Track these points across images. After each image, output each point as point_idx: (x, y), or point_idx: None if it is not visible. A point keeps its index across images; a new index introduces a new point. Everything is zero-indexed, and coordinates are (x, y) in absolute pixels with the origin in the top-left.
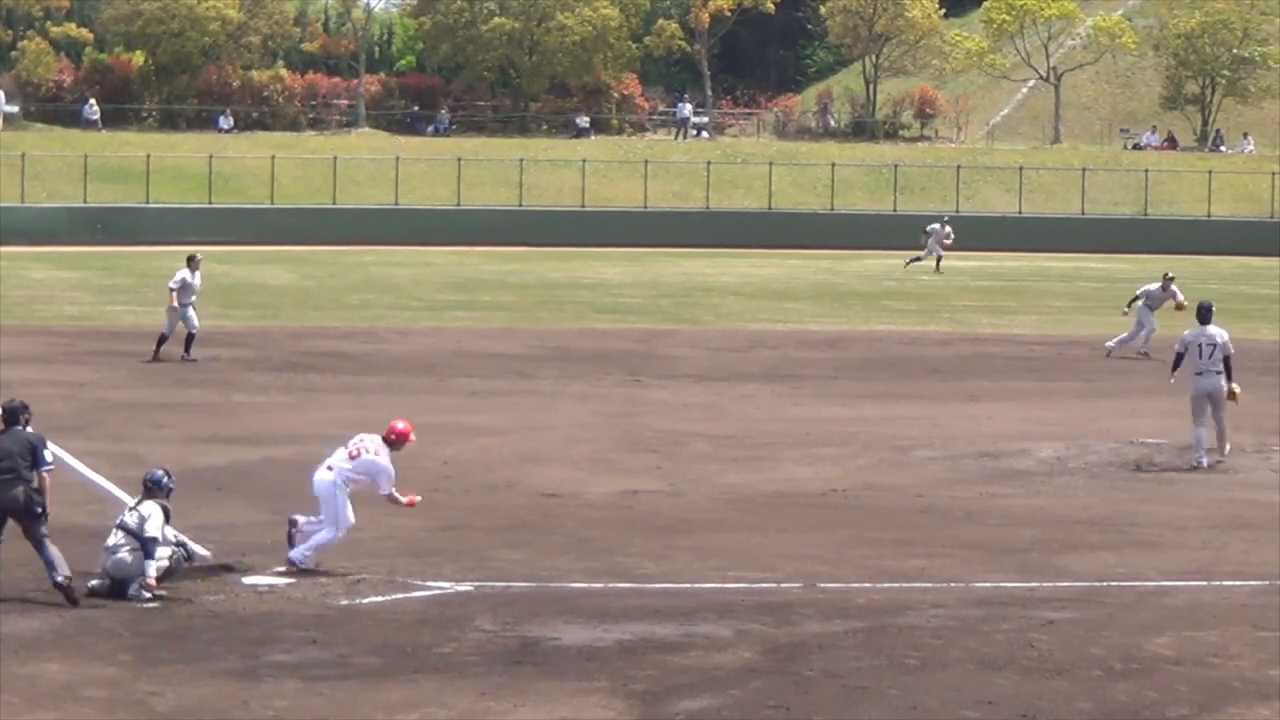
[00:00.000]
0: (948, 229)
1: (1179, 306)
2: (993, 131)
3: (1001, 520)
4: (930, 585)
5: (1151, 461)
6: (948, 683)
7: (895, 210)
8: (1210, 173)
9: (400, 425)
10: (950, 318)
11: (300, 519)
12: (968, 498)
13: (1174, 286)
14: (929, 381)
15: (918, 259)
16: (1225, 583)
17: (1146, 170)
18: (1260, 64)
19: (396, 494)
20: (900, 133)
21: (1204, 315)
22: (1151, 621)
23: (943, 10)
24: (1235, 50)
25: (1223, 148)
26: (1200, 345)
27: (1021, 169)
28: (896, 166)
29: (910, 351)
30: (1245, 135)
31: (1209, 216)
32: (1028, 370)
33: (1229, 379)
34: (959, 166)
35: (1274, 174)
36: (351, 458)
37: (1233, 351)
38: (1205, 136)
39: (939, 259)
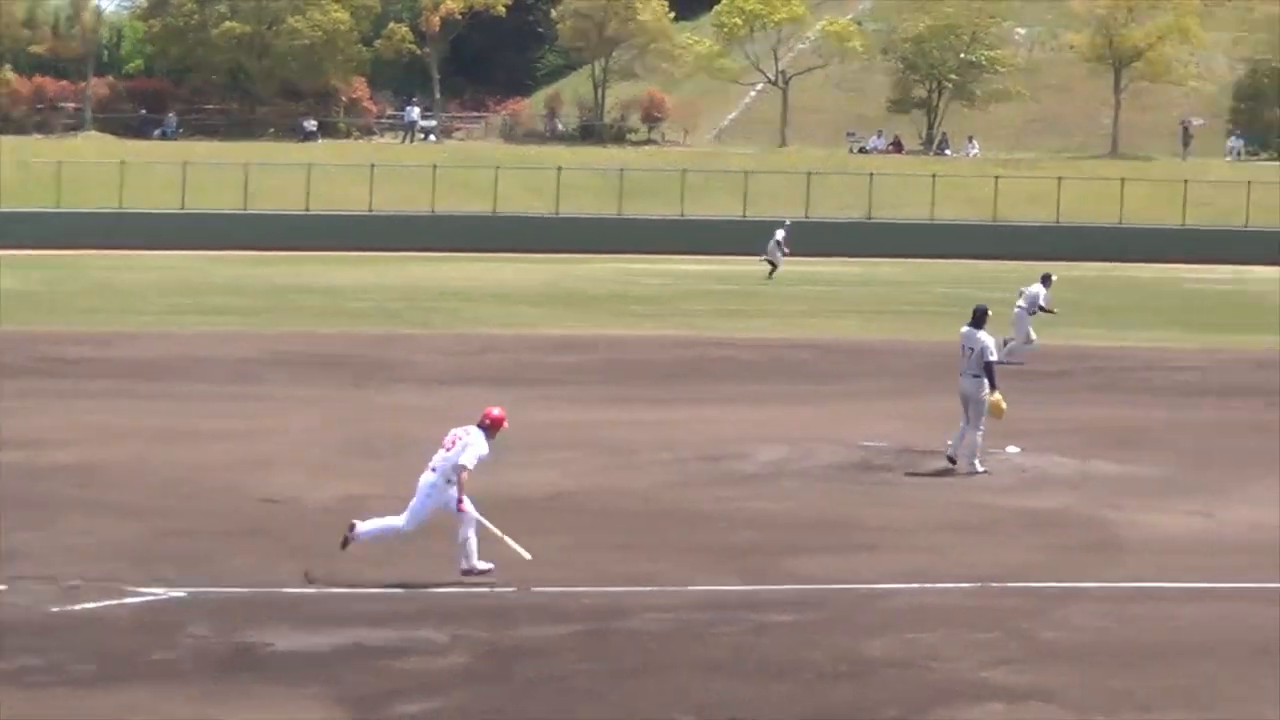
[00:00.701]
0: (780, 234)
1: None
2: (721, 135)
3: (725, 523)
4: (652, 589)
5: (873, 464)
6: (667, 686)
7: (621, 214)
8: (935, 176)
9: (495, 411)
10: (680, 321)
11: (359, 526)
12: (693, 501)
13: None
14: (657, 385)
15: (771, 263)
16: (944, 585)
17: (872, 174)
18: (987, 68)
19: (466, 474)
20: (628, 136)
21: (977, 318)
22: (871, 624)
23: (673, 14)
24: (963, 55)
25: (948, 151)
26: (964, 347)
27: (748, 173)
28: (623, 170)
29: (639, 355)
30: (971, 139)
31: (933, 220)
32: (755, 373)
33: (991, 387)
34: (686, 170)
35: (998, 178)
36: (448, 450)
37: (993, 358)
38: (931, 140)
39: (774, 267)
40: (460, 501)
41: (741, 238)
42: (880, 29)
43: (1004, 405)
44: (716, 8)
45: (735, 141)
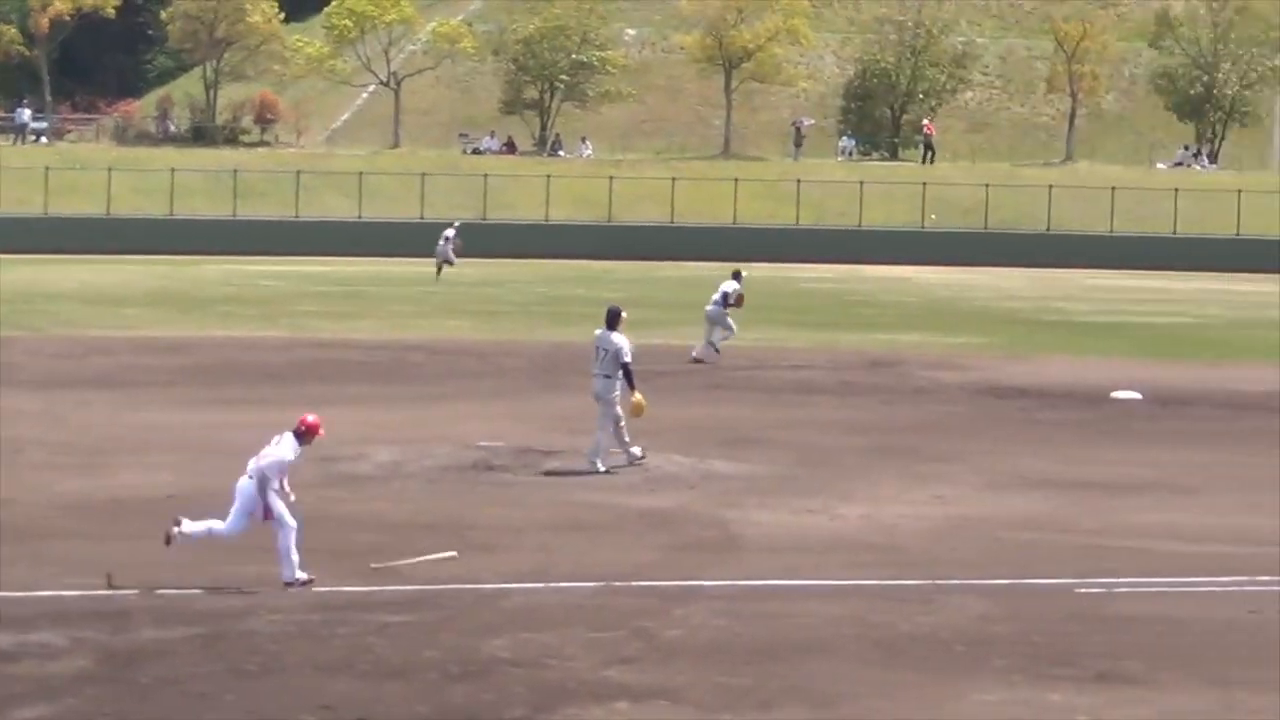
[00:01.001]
0: (448, 233)
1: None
2: (333, 136)
3: (340, 524)
4: (270, 590)
5: (491, 465)
6: (286, 687)
7: (235, 215)
8: (549, 177)
9: (310, 418)
10: (290, 323)
11: (186, 522)
12: (309, 503)
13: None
14: (268, 386)
15: (447, 263)
16: (561, 584)
17: (486, 175)
18: (598, 69)
19: (275, 494)
20: (241, 138)
21: (610, 320)
22: (489, 623)
23: (283, 16)
24: (574, 55)
25: (561, 152)
26: (598, 348)
27: (361, 174)
28: (236, 172)
29: (250, 357)
30: (583, 140)
31: (547, 220)
32: (367, 374)
33: (630, 387)
34: (299, 172)
35: (611, 178)
36: (260, 458)
37: (628, 359)
38: (544, 141)
39: (443, 266)
40: (268, 510)
41: (356, 238)
42: (491, 30)
43: (645, 404)
44: (326, 9)
45: (348, 143)
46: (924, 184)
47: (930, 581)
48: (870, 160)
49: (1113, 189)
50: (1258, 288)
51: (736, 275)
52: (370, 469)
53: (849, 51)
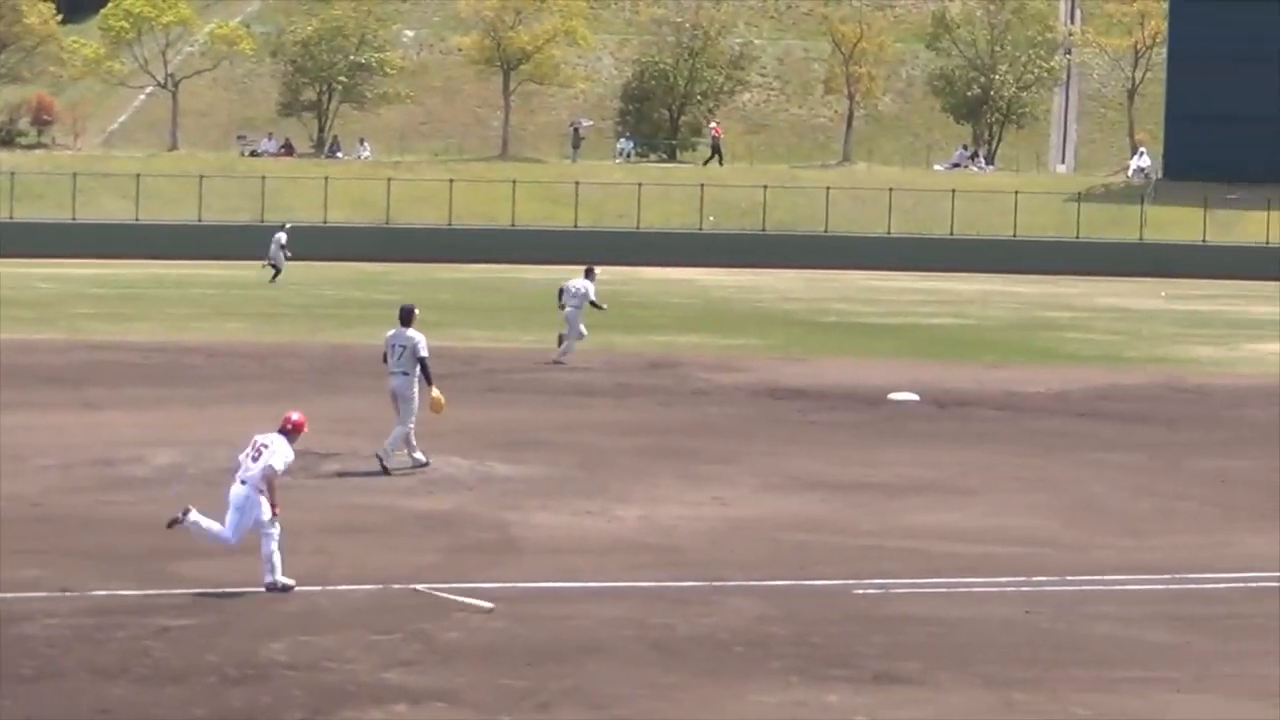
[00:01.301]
0: (280, 236)
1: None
2: (110, 138)
3: (119, 528)
4: (45, 594)
5: None
6: (62, 692)
7: (12, 218)
8: (327, 179)
9: (295, 416)
10: (67, 325)
11: (194, 513)
12: (85, 505)
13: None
14: (46, 389)
15: (275, 266)
16: (340, 587)
17: (264, 177)
18: (376, 70)
19: (275, 479)
20: (17, 140)
21: (404, 318)
22: (267, 627)
23: (60, 17)
24: (351, 57)
25: (340, 154)
26: (394, 346)
27: (139, 176)
28: (14, 174)
29: (27, 359)
30: (362, 141)
31: (325, 222)
32: (145, 377)
33: (429, 383)
34: (76, 174)
35: (390, 180)
36: (254, 459)
37: (425, 355)
38: (323, 143)
39: (277, 270)
40: (274, 507)
41: (133, 241)
42: (268, 31)
43: (444, 400)
44: (103, 11)
45: (125, 144)
46: (702, 185)
47: (708, 583)
48: (648, 162)
49: (890, 190)
50: (1035, 289)
51: (589, 273)
52: (149, 472)
53: (627, 53)
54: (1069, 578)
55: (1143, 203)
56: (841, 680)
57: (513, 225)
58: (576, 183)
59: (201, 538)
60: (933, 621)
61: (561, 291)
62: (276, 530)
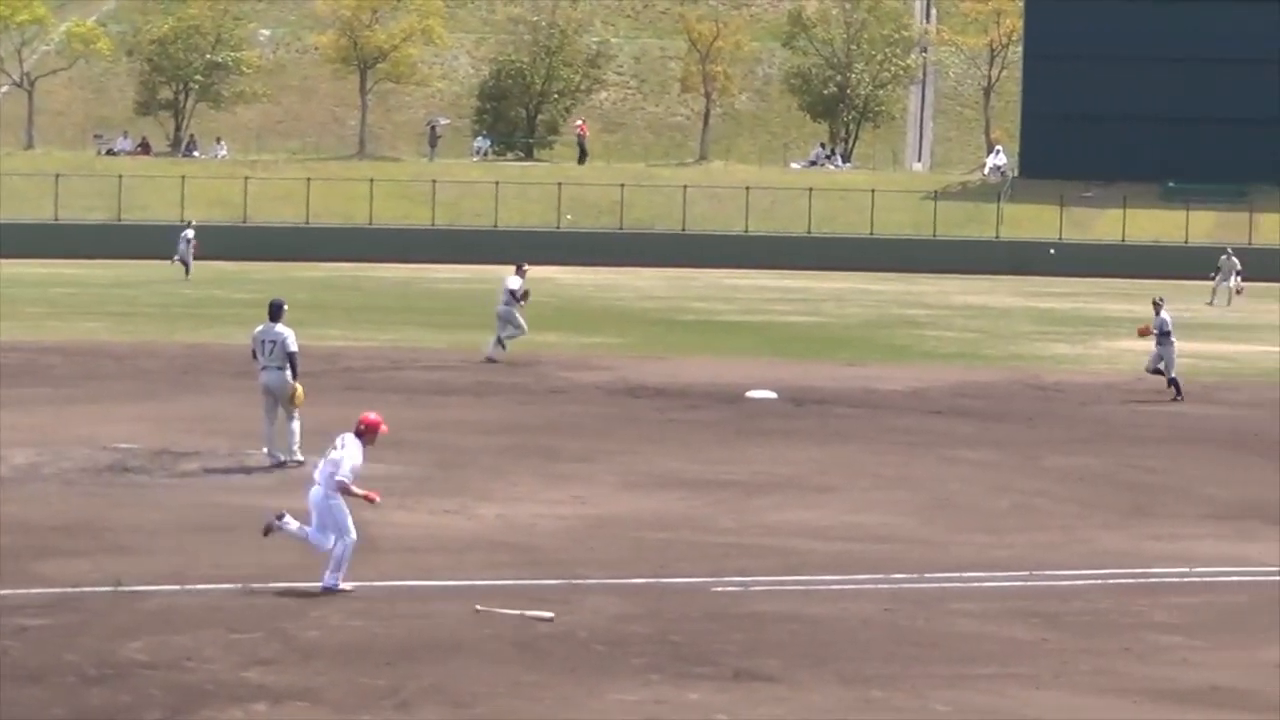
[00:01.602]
0: (187, 234)
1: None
2: None
3: None
4: None
5: (127, 466)
6: None
7: None
8: (184, 178)
9: (371, 416)
10: None
11: (289, 519)
12: None
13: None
14: None
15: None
16: (202, 586)
17: (120, 176)
18: (233, 69)
19: (353, 486)
20: None
21: (273, 313)
22: (126, 626)
23: None
24: (208, 56)
25: (196, 153)
26: (264, 342)
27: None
28: None
29: None
30: (219, 140)
31: (182, 221)
32: (1, 376)
33: (294, 377)
34: None
35: (247, 179)
36: (329, 461)
37: (295, 349)
38: (179, 142)
39: (187, 265)
40: (368, 498)
41: None
42: (125, 30)
43: (303, 395)
44: None
45: None
46: (559, 184)
47: (568, 581)
48: (505, 161)
49: (747, 189)
50: (892, 287)
51: (519, 270)
52: (6, 471)
53: (484, 51)
54: (927, 575)
55: (999, 201)
56: (702, 678)
57: (370, 224)
58: (433, 181)
59: (297, 541)
60: (792, 619)
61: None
62: (353, 536)
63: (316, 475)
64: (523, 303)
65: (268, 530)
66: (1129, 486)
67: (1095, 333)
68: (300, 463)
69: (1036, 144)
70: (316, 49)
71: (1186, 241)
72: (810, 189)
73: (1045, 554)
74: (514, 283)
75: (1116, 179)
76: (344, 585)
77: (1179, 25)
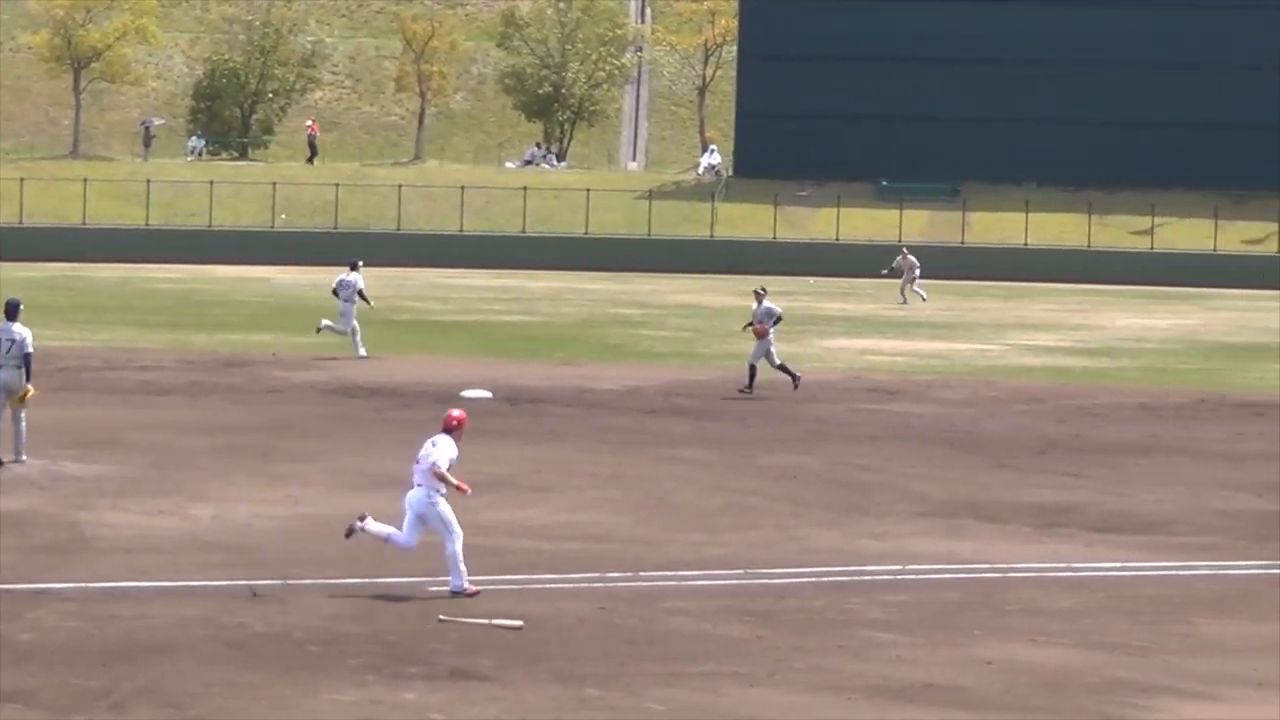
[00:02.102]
0: None
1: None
2: None
3: None
4: None
5: None
6: None
7: None
8: None
9: (456, 413)
10: None
11: (370, 520)
12: None
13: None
14: None
15: None
16: None
17: None
18: None
19: (447, 473)
20: None
21: (9, 312)
22: None
23: None
24: None
25: None
26: (1, 341)
27: None
28: None
29: None
30: None
31: None
32: None
33: (28, 378)
34: None
35: None
36: (424, 459)
37: (30, 350)
38: None
39: None
40: (460, 488)
41: None
42: None
43: (34, 395)
44: None
45: None
46: (274, 184)
47: (283, 581)
48: (220, 160)
49: (462, 188)
50: (607, 286)
51: (354, 265)
52: None
53: (198, 51)
54: (642, 573)
55: (713, 200)
56: (417, 678)
57: (84, 224)
58: (148, 181)
59: (382, 543)
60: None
61: (338, 285)
62: (459, 532)
63: (415, 477)
64: (367, 302)
65: (350, 532)
66: (843, 485)
67: (809, 331)
68: (21, 461)
69: (751, 143)
70: (30, 48)
71: (900, 240)
72: (525, 188)
73: (759, 552)
74: (354, 279)
75: (831, 178)
76: (470, 587)
77: (892, 26)
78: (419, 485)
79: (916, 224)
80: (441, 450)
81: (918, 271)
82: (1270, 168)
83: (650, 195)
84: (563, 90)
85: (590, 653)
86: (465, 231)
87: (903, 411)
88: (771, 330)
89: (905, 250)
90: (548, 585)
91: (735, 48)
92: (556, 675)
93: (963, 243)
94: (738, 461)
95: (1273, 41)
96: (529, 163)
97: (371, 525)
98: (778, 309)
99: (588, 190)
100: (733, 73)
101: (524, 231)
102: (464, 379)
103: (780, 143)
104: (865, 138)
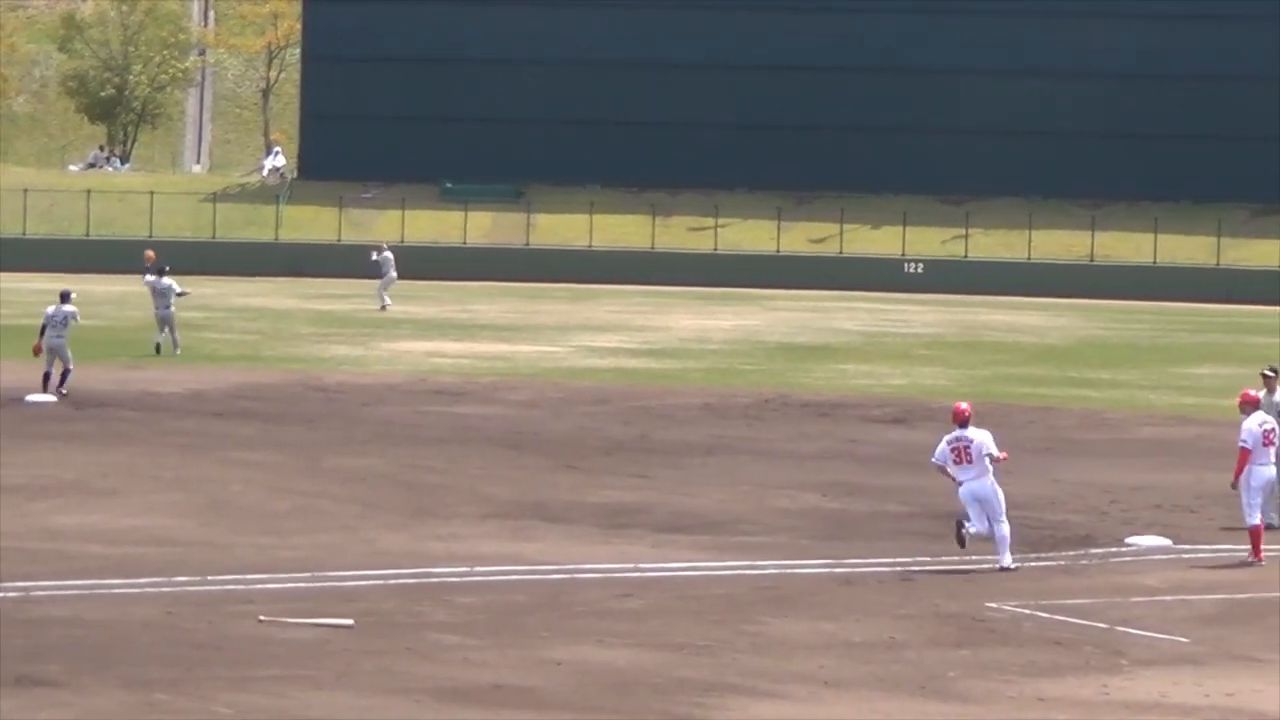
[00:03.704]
0: None
1: None
2: None
3: None
4: None
5: None
6: None
7: None
8: None
9: (963, 405)
10: None
11: (967, 524)
12: None
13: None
14: None
15: None
16: None
17: None
18: None
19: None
20: None
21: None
22: None
23: None
24: None
25: None
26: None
27: None
28: None
29: None
30: None
31: None
32: None
33: None
34: None
35: None
36: (966, 458)
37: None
38: None
39: None
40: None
41: None
42: None
43: None
44: None
45: None
46: None
47: None
48: None
49: (25, 191)
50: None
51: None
52: None
53: None
54: (210, 577)
55: (278, 202)
56: None
57: None
58: None
59: (983, 539)
60: (74, 623)
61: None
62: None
63: (969, 474)
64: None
65: (962, 541)
66: (411, 487)
67: (375, 334)
68: None
69: (315, 145)
70: None
71: (465, 242)
72: (89, 191)
73: (328, 555)
74: (164, 283)
75: (396, 180)
76: (1013, 564)
77: (458, 28)
78: (978, 477)
79: (481, 225)
80: (988, 439)
81: (394, 273)
82: (831, 168)
83: (215, 198)
84: (126, 93)
85: (158, 657)
86: (29, 235)
87: (469, 414)
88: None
89: (384, 245)
90: (115, 590)
91: (299, 50)
92: (125, 681)
93: (527, 244)
94: (305, 464)
95: (832, 37)
96: (92, 165)
97: (971, 527)
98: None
99: (151, 193)
100: (297, 75)
101: (88, 235)
102: (25, 383)
103: (345, 145)
104: (430, 139)
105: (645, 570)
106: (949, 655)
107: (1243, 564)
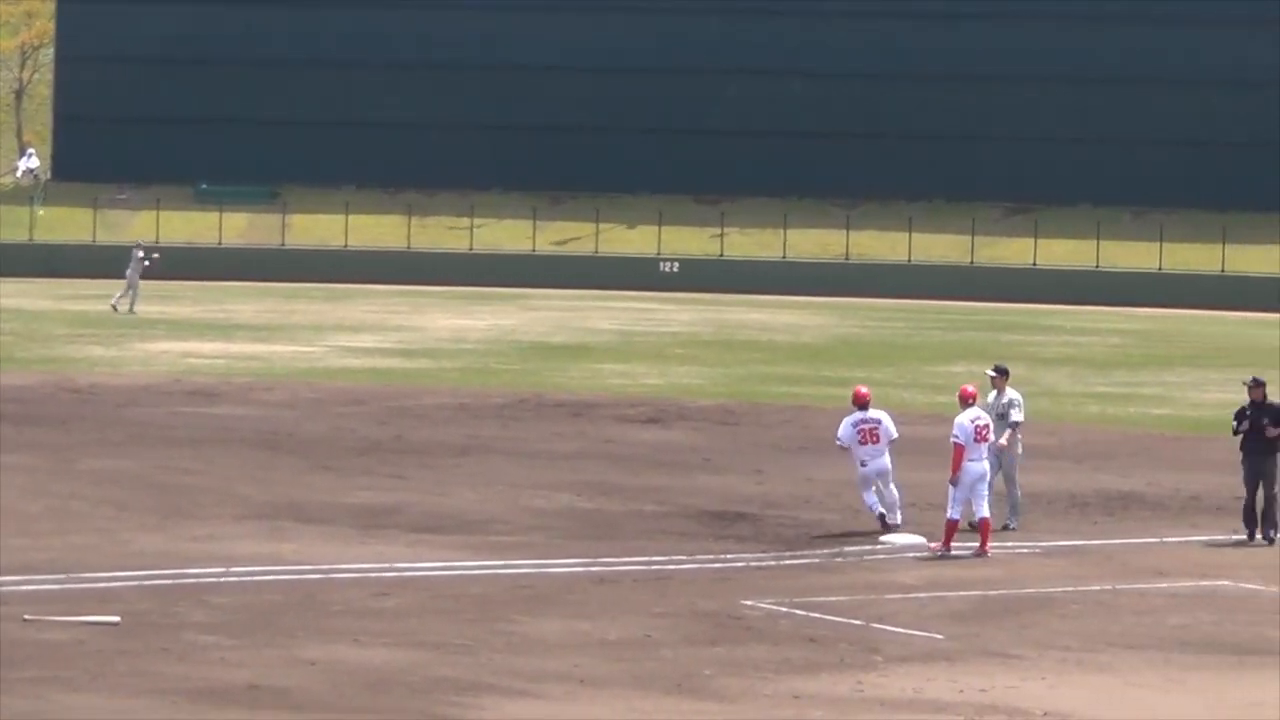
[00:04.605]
0: None
1: None
2: None
3: None
4: None
5: None
6: None
7: None
8: None
9: (863, 389)
10: None
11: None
12: None
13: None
14: None
15: None
16: None
17: None
18: None
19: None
20: None
21: None
22: None
23: None
24: None
25: None
26: None
27: None
28: None
29: None
30: None
31: None
32: None
33: None
34: None
35: None
36: (872, 439)
37: None
38: None
39: None
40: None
41: None
42: None
43: None
44: None
45: None
46: None
47: None
48: None
49: None
50: None
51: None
52: None
53: None
54: None
55: (32, 204)
56: None
57: None
58: None
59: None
60: None
61: None
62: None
63: (873, 453)
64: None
65: (889, 526)
66: (165, 488)
67: (130, 335)
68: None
69: (70, 146)
70: None
71: (220, 243)
72: None
73: (83, 556)
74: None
75: (151, 181)
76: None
77: (214, 28)
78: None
79: (236, 226)
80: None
81: (145, 264)
82: (587, 168)
83: None
84: None
85: None
86: None
87: (224, 414)
88: None
89: (140, 244)
90: None
91: (53, 50)
92: None
93: (283, 245)
94: (58, 465)
95: (586, 38)
96: None
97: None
98: None
99: None
100: (51, 75)
101: None
102: None
103: (100, 146)
104: (185, 140)
105: (401, 570)
106: (705, 653)
107: (977, 556)
